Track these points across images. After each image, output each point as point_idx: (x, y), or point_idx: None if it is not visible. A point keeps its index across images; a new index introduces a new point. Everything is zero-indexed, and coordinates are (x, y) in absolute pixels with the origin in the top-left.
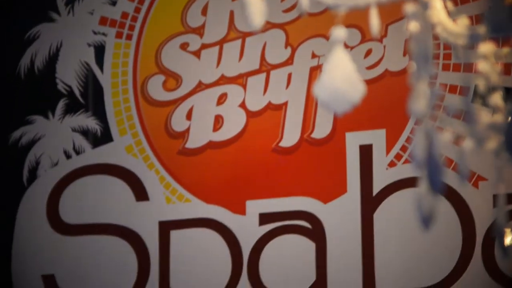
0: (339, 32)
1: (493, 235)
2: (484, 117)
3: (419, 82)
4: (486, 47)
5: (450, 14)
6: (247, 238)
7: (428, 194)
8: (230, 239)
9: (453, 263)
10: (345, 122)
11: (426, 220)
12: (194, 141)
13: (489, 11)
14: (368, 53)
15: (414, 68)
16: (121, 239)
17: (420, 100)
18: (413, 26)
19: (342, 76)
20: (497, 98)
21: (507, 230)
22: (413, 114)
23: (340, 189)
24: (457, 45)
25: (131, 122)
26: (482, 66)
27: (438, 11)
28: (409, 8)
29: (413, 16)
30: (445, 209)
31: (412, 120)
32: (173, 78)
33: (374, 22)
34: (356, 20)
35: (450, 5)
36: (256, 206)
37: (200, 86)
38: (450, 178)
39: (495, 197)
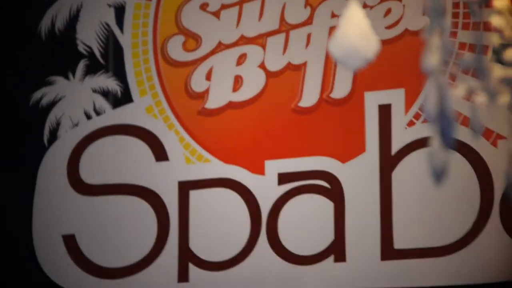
0: None
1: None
2: (497, 71)
3: (432, 36)
4: (501, 2)
5: None
6: (266, 198)
7: (440, 149)
8: (249, 199)
9: (471, 221)
10: (364, 82)
11: (439, 175)
12: (213, 102)
13: None
14: (388, 12)
15: (428, 22)
16: (141, 199)
17: (433, 54)
18: None
19: (357, 32)
20: (511, 53)
21: None
22: (426, 68)
23: (358, 148)
24: (472, 0)
25: (151, 82)
26: (496, 21)
27: None
28: None
29: None
30: (463, 168)
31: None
32: (193, 39)
33: None
34: None
35: None
36: (275, 166)
37: (220, 47)
38: (468, 137)
39: None
